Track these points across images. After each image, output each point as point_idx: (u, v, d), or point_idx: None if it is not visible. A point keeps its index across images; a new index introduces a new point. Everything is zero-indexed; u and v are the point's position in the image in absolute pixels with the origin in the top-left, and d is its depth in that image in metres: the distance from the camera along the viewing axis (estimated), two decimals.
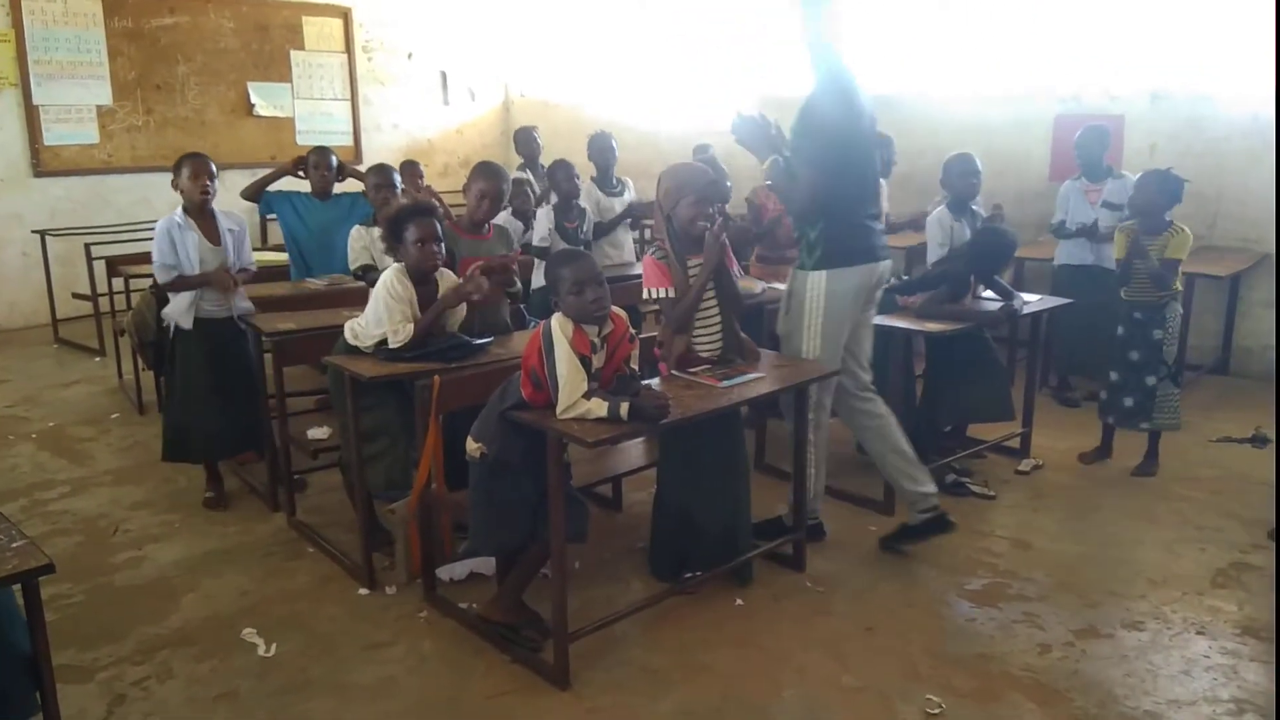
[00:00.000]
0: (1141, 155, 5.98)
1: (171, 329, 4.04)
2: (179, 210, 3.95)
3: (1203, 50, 5.86)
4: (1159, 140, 6.07)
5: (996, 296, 4.23)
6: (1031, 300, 4.41)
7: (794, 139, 3.39)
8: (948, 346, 4.10)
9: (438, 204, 3.88)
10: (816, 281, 3.40)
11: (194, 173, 3.89)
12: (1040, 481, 4.35)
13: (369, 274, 4.20)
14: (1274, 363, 5.62)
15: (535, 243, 5.08)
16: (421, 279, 3.35)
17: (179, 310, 3.98)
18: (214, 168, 3.97)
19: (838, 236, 3.38)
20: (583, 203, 5.34)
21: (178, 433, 4.09)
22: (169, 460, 4.18)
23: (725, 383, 3.05)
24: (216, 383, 4.03)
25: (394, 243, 3.36)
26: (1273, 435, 4.65)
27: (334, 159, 5.04)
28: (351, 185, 5.24)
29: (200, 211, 3.96)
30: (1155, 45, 6.06)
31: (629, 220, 5.62)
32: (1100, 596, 3.30)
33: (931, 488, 3.54)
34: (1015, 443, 4.56)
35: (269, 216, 5.12)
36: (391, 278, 3.29)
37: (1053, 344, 5.31)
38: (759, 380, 3.11)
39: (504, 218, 5.41)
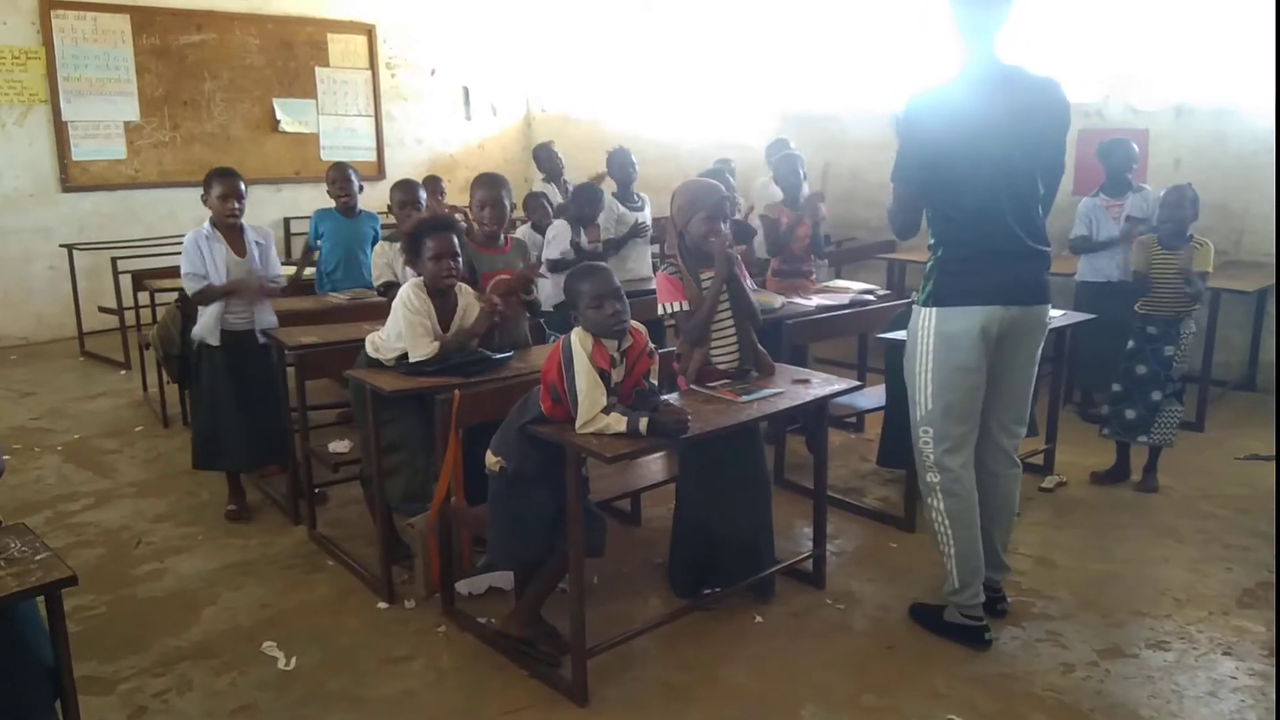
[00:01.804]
0: (1166, 169, 5.93)
1: (196, 344, 4.10)
2: (206, 223, 4.03)
3: (1228, 63, 5.82)
4: (1183, 155, 6.02)
5: None
6: (1056, 315, 4.36)
7: None
8: None
9: (460, 219, 3.90)
10: (926, 320, 2.95)
11: (223, 194, 3.99)
12: (1064, 499, 4.30)
13: (391, 290, 4.23)
14: None
15: (557, 256, 5.09)
16: (439, 293, 3.38)
17: (206, 328, 4.04)
18: (243, 188, 4.06)
19: (950, 269, 2.90)
20: (600, 219, 5.36)
21: (207, 441, 4.15)
22: (200, 468, 4.24)
23: (745, 397, 3.03)
24: (241, 394, 4.08)
25: (413, 257, 3.40)
26: None
27: (352, 174, 5.10)
28: (368, 202, 5.33)
29: (227, 226, 4.04)
30: (1180, 58, 6.02)
31: (647, 236, 5.59)
32: (1125, 616, 3.26)
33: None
34: (1039, 459, 4.51)
35: (316, 243, 5.22)
36: (409, 293, 3.32)
37: (1076, 360, 5.27)
38: (779, 395, 3.09)
39: (524, 231, 5.44)
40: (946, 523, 3.02)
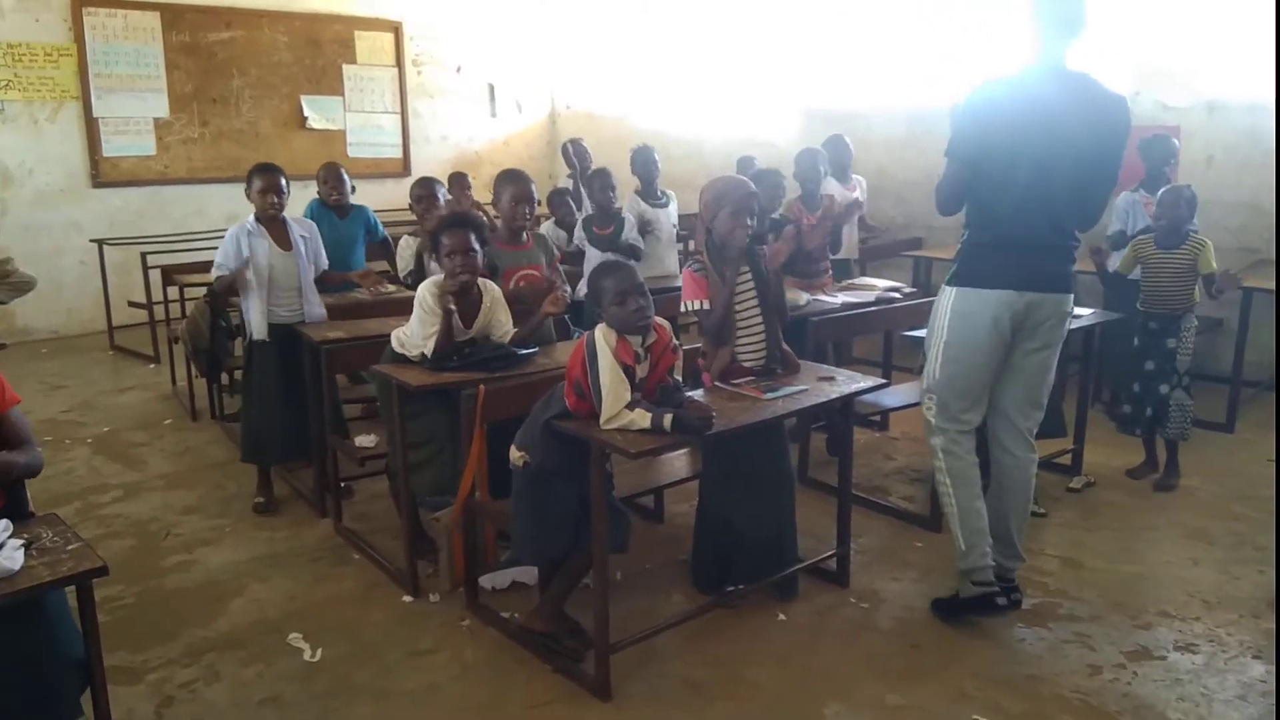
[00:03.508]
0: (1198, 166, 5.86)
1: (247, 341, 4.17)
2: (251, 218, 4.10)
3: (1261, 59, 5.73)
4: (1215, 152, 5.94)
5: None
6: (1084, 314, 4.32)
7: None
8: None
9: (480, 215, 3.91)
10: (946, 298, 3.12)
11: (263, 189, 4.05)
12: (1092, 499, 4.26)
13: (414, 278, 4.32)
14: None
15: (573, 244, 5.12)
16: (460, 290, 3.38)
17: (256, 327, 4.09)
18: (284, 183, 4.11)
19: (973, 254, 3.06)
20: (625, 213, 5.35)
21: (257, 434, 4.19)
22: (248, 461, 4.26)
23: (770, 394, 3.02)
24: (289, 387, 4.12)
25: (436, 255, 3.42)
26: None
27: (344, 173, 5.08)
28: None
29: (270, 220, 4.09)
30: (1212, 53, 5.93)
31: (674, 232, 5.57)
32: (1153, 618, 3.23)
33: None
34: (1067, 460, 4.46)
35: None
36: (424, 290, 3.34)
37: (1105, 359, 5.22)
38: (803, 393, 3.08)
39: (547, 228, 5.45)
40: (948, 482, 3.16)
